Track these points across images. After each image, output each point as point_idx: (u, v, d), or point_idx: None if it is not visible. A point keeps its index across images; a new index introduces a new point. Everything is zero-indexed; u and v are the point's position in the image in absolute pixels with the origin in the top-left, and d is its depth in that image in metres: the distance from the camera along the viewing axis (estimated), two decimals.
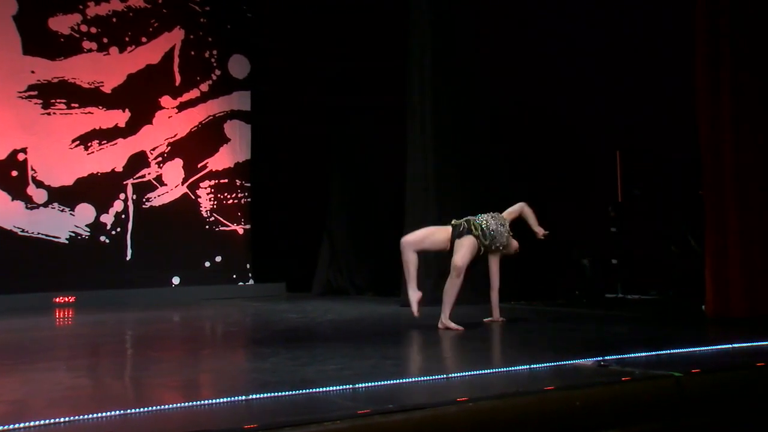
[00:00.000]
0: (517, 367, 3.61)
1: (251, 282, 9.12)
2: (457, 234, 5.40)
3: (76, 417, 2.75)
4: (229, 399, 3.02)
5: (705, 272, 5.50)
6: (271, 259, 9.10)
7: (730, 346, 4.14)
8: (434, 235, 5.46)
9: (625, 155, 7.63)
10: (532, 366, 3.62)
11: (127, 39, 8.54)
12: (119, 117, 8.45)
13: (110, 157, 8.39)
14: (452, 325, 5.22)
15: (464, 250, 5.31)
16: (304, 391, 3.16)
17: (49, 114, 8.16)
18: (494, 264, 5.51)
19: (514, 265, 7.21)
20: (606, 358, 3.75)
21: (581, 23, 7.42)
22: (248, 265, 9.13)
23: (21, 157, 8.03)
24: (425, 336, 5.14)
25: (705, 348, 4.15)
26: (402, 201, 7.33)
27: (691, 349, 4.08)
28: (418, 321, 5.81)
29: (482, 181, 7.31)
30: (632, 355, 3.90)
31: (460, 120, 7.30)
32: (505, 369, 3.60)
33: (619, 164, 7.63)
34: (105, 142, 8.36)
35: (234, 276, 9.04)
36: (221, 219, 9.01)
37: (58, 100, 8.19)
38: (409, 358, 4.14)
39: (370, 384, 3.25)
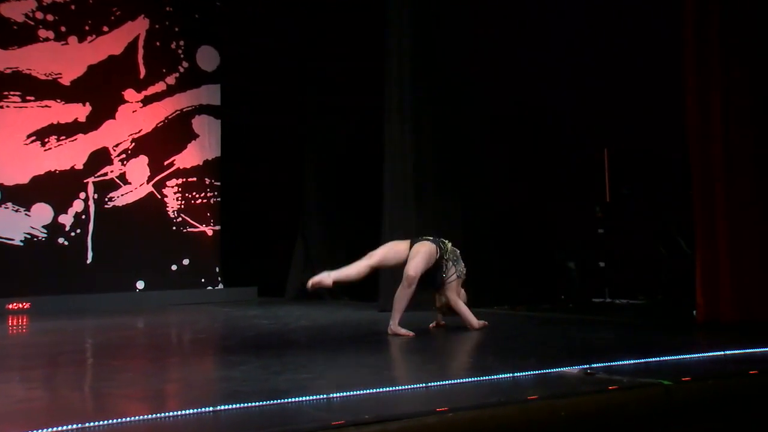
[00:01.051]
0: (500, 376, 3.62)
1: (221, 286, 9.08)
2: (414, 242, 5.44)
3: (30, 431, 2.71)
4: (195, 410, 3.00)
5: (695, 275, 5.56)
6: (241, 261, 9.06)
7: (722, 353, 4.18)
8: (396, 246, 5.46)
9: (613, 153, 7.70)
10: (515, 374, 3.64)
11: (87, 28, 8.46)
12: (79, 111, 8.36)
13: (69, 154, 8.30)
14: (401, 331, 5.26)
15: (419, 258, 5.31)
16: (275, 401, 3.14)
17: (1, 107, 8.05)
18: (453, 297, 5.46)
19: (497, 269, 7.27)
20: (592, 365, 3.77)
21: (569, 19, 7.48)
22: (217, 269, 9.09)
23: None
24: (403, 343, 5.14)
25: (696, 355, 4.18)
26: (380, 201, 7.33)
27: (681, 356, 4.11)
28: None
29: (464, 181, 7.35)
30: (620, 362, 3.93)
31: (440, 118, 7.33)
32: (487, 377, 3.60)
33: (607, 163, 7.69)
34: (63, 137, 8.27)
35: (202, 280, 8.99)
36: (189, 220, 8.96)
37: (11, 93, 8.09)
38: (386, 367, 4.14)
39: (345, 394, 3.25)
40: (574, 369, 3.73)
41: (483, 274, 7.21)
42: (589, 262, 7.68)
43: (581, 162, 7.79)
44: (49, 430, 2.73)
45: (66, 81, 8.31)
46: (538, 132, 7.60)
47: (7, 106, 8.07)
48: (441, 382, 3.51)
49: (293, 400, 3.16)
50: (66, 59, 8.31)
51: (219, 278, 9.10)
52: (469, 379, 3.58)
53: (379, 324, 6.34)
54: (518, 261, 7.44)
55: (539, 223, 7.59)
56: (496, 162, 7.45)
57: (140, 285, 8.63)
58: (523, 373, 3.66)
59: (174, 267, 8.81)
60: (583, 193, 7.79)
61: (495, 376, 3.61)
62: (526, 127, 7.55)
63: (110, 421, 2.84)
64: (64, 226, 8.24)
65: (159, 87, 8.82)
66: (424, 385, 3.45)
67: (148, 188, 8.73)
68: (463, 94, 7.37)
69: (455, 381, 3.54)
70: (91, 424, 2.80)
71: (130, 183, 8.63)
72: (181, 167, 8.93)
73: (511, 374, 3.63)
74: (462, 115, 7.38)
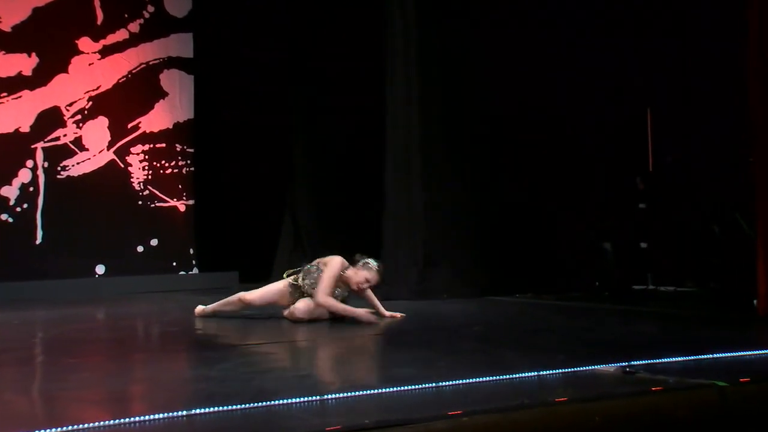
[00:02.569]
0: (523, 374, 3.64)
1: (196, 271, 9.09)
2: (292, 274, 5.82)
3: None
4: (166, 415, 3.01)
5: (757, 259, 5.54)
6: (220, 242, 9.06)
7: None
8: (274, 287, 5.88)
9: (657, 113, 7.65)
10: (540, 372, 3.65)
11: None
12: (23, 63, 8.30)
13: (13, 114, 8.26)
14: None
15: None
16: (260, 404, 3.15)
17: None
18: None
19: (519, 250, 7.27)
20: (632, 363, 3.78)
21: None
22: (192, 250, 9.09)
23: None
24: (409, 336, 5.15)
25: (756, 352, 4.18)
26: (381, 171, 7.32)
27: (738, 354, 4.11)
28: (402, 318, 5.83)
29: (478, 148, 7.31)
30: (665, 359, 3.94)
31: (452, 75, 7.27)
32: (507, 376, 3.62)
33: (650, 124, 7.65)
34: (5, 94, 8.23)
35: (174, 263, 9.00)
36: (157, 193, 8.95)
37: None
38: (388, 363, 4.15)
39: (341, 395, 3.26)
40: (611, 367, 3.74)
41: (502, 257, 7.23)
42: (629, 243, 7.67)
43: (618, 125, 7.75)
44: None
45: (6, 26, 8.23)
46: (565, 91, 7.55)
47: None
48: (453, 381, 3.52)
49: (281, 402, 3.16)
50: (5, 0, 8.24)
51: (193, 261, 9.10)
52: (487, 378, 3.58)
53: None
54: (543, 241, 7.44)
55: (568, 197, 7.58)
56: (517, 122, 7.42)
57: (100, 270, 8.64)
58: (551, 372, 3.67)
59: (140, 248, 8.81)
60: (621, 161, 7.76)
61: (517, 375, 3.63)
62: (552, 86, 7.50)
63: (63, 428, 2.84)
64: (7, 200, 8.22)
65: (120, 35, 8.76)
66: (433, 384, 3.47)
67: (109, 155, 8.71)
68: (480, 43, 7.33)
69: (470, 380, 3.54)
70: None
71: (87, 149, 8.60)
72: (147, 131, 8.90)
73: (535, 372, 3.64)
74: (477, 69, 7.34)
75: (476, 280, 7.10)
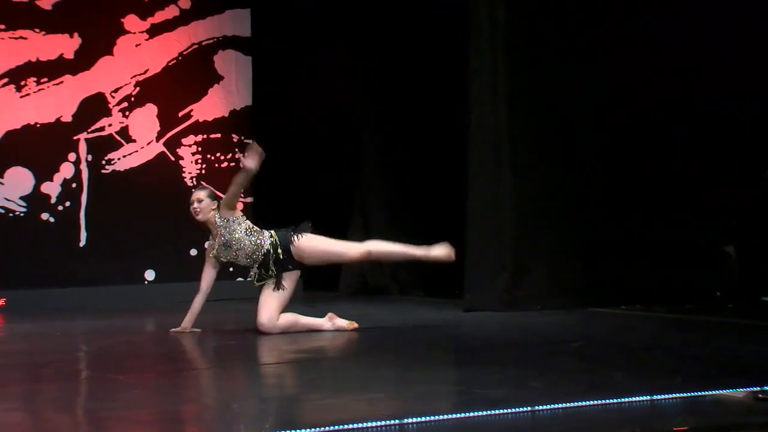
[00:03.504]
0: (633, 399, 3.58)
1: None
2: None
3: None
4: None
5: None
6: None
7: None
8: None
9: None
10: (654, 397, 3.59)
11: None
12: (65, 44, 8.49)
13: (53, 102, 8.45)
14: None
15: None
16: (329, 428, 3.15)
17: None
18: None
19: (623, 254, 7.15)
20: (765, 388, 3.68)
21: None
22: None
23: None
24: (497, 352, 5.11)
25: None
26: (464, 163, 7.29)
27: None
28: (489, 332, 5.79)
29: (575, 132, 7.23)
30: None
31: (547, 48, 7.20)
32: (615, 400, 3.57)
33: None
34: (45, 80, 8.42)
35: (230, 269, 9.08)
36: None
37: None
38: (476, 383, 4.12)
39: (422, 419, 3.24)
40: (739, 392, 3.66)
41: (605, 262, 7.12)
42: (756, 246, 7.50)
43: (743, 101, 7.56)
44: None
45: (46, 4, 8.43)
46: (678, 67, 7.39)
47: None
48: (551, 406, 3.48)
49: (354, 426, 3.17)
50: None
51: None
52: (590, 402, 3.54)
53: (464, 327, 6.35)
54: (653, 244, 7.31)
55: (684, 191, 7.44)
56: (621, 114, 7.31)
57: (150, 275, 8.78)
58: (666, 396, 3.61)
59: (193, 252, 8.91)
60: (747, 148, 7.58)
61: (626, 399, 3.57)
62: (663, 63, 7.35)
63: None
64: (48, 197, 8.41)
65: (170, 12, 8.89)
66: (528, 408, 3.43)
67: (158, 147, 8.85)
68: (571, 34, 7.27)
69: (570, 404, 3.50)
70: None
71: (134, 141, 8.75)
72: (200, 120, 9.01)
73: (648, 396, 3.59)
74: (575, 36, 7.25)
75: (575, 288, 7.01)
